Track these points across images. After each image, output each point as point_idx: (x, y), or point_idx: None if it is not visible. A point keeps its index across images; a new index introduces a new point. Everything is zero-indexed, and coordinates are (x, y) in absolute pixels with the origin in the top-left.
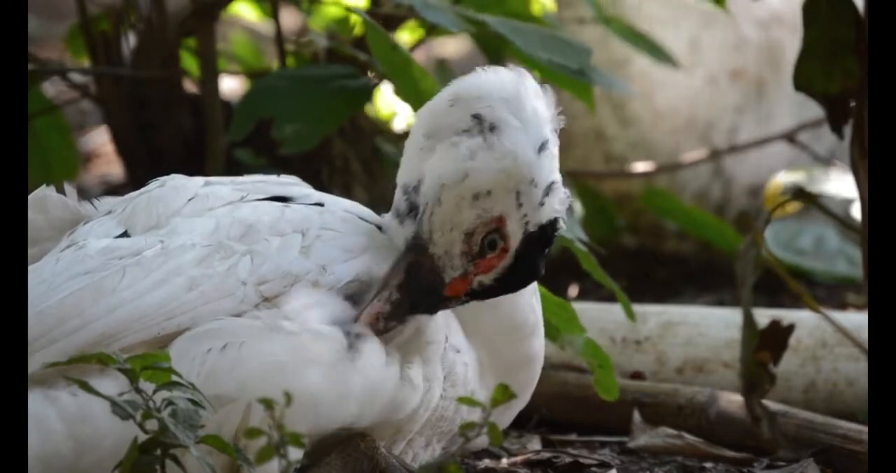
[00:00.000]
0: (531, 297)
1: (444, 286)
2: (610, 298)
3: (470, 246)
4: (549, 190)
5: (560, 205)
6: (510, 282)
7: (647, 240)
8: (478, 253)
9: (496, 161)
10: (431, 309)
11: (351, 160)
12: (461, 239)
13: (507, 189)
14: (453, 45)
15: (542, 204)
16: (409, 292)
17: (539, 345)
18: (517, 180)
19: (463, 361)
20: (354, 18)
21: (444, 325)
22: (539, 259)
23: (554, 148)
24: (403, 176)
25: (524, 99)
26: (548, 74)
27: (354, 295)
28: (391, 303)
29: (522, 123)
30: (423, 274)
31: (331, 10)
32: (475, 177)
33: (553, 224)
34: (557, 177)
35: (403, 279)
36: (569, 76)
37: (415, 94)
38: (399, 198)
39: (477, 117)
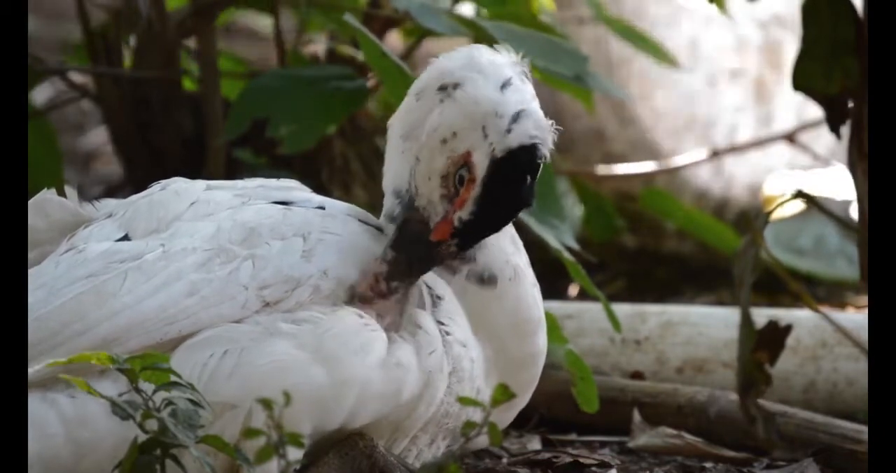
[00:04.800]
0: (532, 289)
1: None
2: (610, 298)
3: (448, 189)
4: (517, 116)
5: (537, 130)
6: (488, 213)
7: (647, 240)
8: (454, 192)
9: (459, 106)
10: (426, 261)
11: (351, 160)
12: (439, 183)
13: (473, 125)
14: (454, 45)
15: (509, 131)
16: (402, 246)
17: (543, 342)
18: (481, 115)
19: (469, 357)
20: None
21: (446, 316)
22: (518, 186)
23: (521, 84)
24: (392, 182)
25: (478, 57)
26: (547, 76)
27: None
28: (387, 262)
29: (481, 72)
30: (413, 226)
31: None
32: (441, 125)
33: (529, 149)
34: (531, 106)
35: (396, 236)
36: (566, 82)
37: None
38: (392, 203)
39: (442, 88)
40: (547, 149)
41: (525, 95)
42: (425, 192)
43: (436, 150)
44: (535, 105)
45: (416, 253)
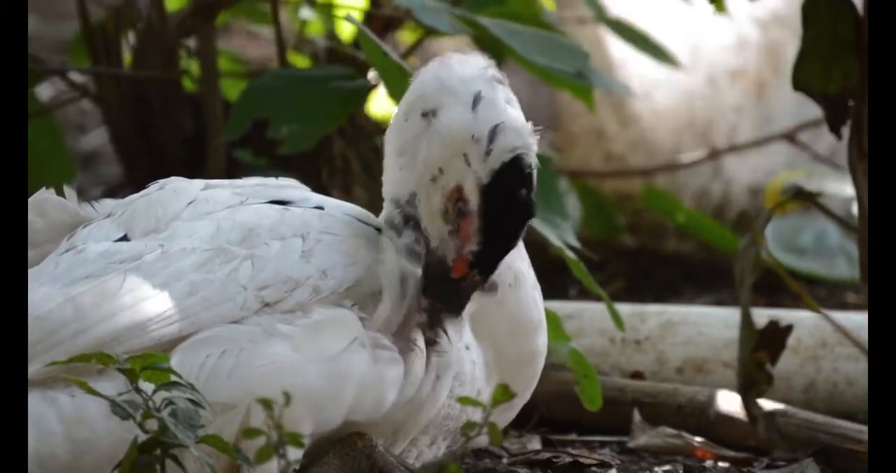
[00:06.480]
0: (533, 291)
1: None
2: (610, 298)
3: (452, 224)
4: (493, 134)
5: (517, 139)
6: (495, 238)
7: (647, 240)
8: (457, 226)
9: (439, 138)
10: (457, 301)
11: (351, 160)
12: (442, 220)
13: (454, 156)
14: (455, 44)
15: (488, 152)
16: (432, 291)
17: (543, 341)
18: (459, 145)
19: (471, 359)
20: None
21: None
22: (515, 202)
23: (492, 92)
24: (391, 191)
25: (449, 75)
26: (547, 75)
27: (357, 299)
28: (425, 311)
29: (452, 95)
30: (433, 269)
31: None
32: (428, 161)
33: (513, 163)
34: (506, 116)
35: (423, 282)
36: (567, 79)
37: None
38: (392, 212)
39: (425, 114)
40: (533, 154)
41: (497, 106)
42: (434, 233)
43: (430, 190)
44: (509, 112)
45: (446, 294)
